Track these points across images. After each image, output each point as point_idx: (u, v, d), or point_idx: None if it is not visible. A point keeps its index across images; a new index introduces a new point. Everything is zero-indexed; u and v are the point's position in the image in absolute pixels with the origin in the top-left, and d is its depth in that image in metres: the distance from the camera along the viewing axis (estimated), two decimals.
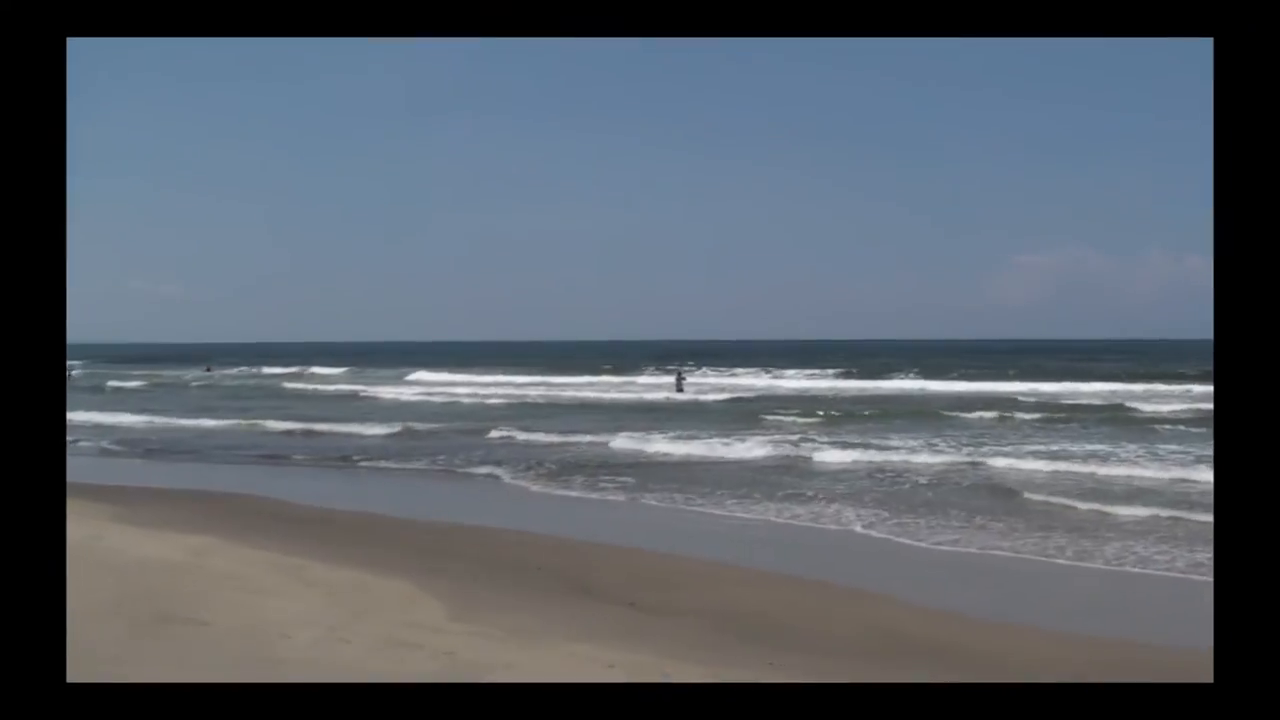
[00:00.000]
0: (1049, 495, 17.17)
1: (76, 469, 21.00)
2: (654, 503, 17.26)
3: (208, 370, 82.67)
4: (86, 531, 13.02)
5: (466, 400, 46.20)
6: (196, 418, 36.04)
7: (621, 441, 26.78)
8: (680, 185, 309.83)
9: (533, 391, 51.30)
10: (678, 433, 28.62)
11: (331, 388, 56.93)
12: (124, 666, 7.30)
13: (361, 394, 51.04)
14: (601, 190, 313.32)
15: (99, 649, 7.73)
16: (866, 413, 35.55)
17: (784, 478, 20.12)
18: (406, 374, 69.32)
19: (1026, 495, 17.29)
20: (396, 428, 31.43)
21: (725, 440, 26.09)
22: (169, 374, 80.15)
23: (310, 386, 57.19)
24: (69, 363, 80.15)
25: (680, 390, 50.96)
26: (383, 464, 22.83)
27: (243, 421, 32.89)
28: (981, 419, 32.87)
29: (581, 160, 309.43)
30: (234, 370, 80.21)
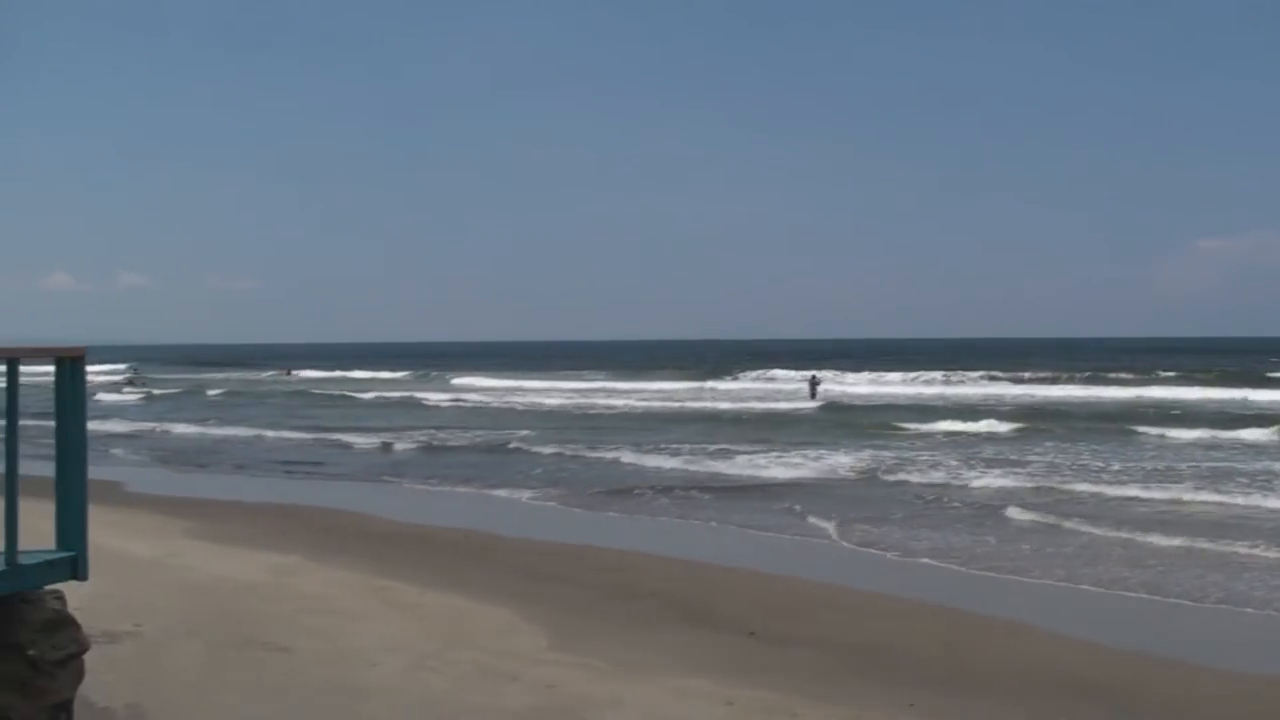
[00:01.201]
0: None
1: (149, 480, 22.05)
2: (775, 524, 17.24)
3: (287, 373, 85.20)
4: (163, 549, 13.68)
5: (572, 407, 46.68)
6: (278, 428, 37.23)
7: (743, 457, 26.87)
8: (798, 170, 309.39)
9: (655, 403, 51.42)
10: (809, 449, 28.52)
11: (433, 396, 58.05)
12: (201, 693, 7.68)
13: (457, 400, 52.08)
14: (698, 176, 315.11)
15: (175, 673, 8.15)
16: (1045, 426, 34.26)
17: (918, 499, 19.93)
18: (506, 378, 70.52)
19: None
20: (495, 438, 31.99)
21: (860, 456, 25.93)
22: (249, 376, 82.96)
23: (400, 394, 58.30)
24: (130, 364, 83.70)
25: (814, 397, 50.74)
26: (478, 478, 23.24)
27: (325, 435, 33.69)
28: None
29: (678, 145, 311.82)
30: (315, 374, 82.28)
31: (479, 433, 34.55)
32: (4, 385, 5.15)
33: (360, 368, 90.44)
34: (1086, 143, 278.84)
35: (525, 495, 20.64)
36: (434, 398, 53.76)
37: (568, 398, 52.48)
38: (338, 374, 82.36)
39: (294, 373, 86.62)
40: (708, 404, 47.67)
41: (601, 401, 50.03)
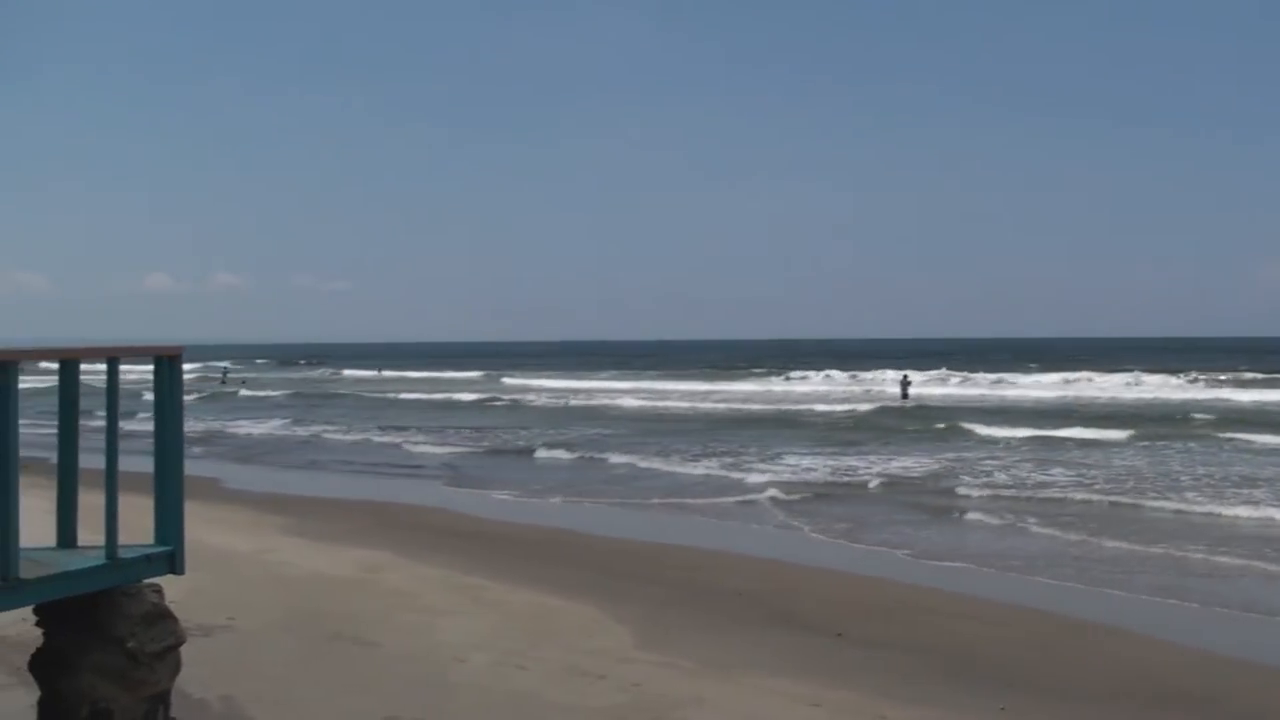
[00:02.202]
0: None
1: (244, 477, 22.51)
2: (864, 520, 17.13)
3: (379, 372, 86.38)
4: (258, 544, 13.97)
5: (675, 409, 46.67)
6: (366, 427, 37.79)
7: (829, 456, 26.68)
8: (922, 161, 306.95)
9: (753, 403, 51.22)
10: (902, 450, 28.32)
11: (536, 399, 58.41)
12: (292, 686, 7.84)
13: (552, 401, 52.37)
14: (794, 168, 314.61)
15: (267, 666, 8.33)
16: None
17: (1013, 500, 19.66)
18: (613, 377, 71.02)
19: None
20: (585, 434, 32.18)
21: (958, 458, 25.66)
22: (338, 375, 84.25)
23: (508, 397, 58.80)
24: (228, 363, 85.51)
25: (905, 396, 50.28)
26: (565, 478, 23.38)
27: (426, 437, 34.04)
28: None
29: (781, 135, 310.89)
30: (407, 374, 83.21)
31: (554, 432, 34.80)
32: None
33: (445, 367, 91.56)
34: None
35: (615, 496, 20.71)
36: (510, 398, 54.22)
37: (646, 399, 52.23)
38: (421, 374, 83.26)
39: (384, 372, 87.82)
40: (802, 406, 47.28)
41: (683, 404, 49.92)
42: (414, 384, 69.58)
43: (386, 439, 32.94)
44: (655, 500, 19.74)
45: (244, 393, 60.99)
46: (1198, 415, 36.57)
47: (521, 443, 31.08)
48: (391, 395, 57.28)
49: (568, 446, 29.26)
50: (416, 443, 31.26)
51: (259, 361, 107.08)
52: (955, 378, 62.80)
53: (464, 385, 67.30)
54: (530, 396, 55.32)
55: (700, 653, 9.27)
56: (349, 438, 33.68)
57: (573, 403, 50.35)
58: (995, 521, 17.03)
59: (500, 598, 11.31)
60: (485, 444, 30.81)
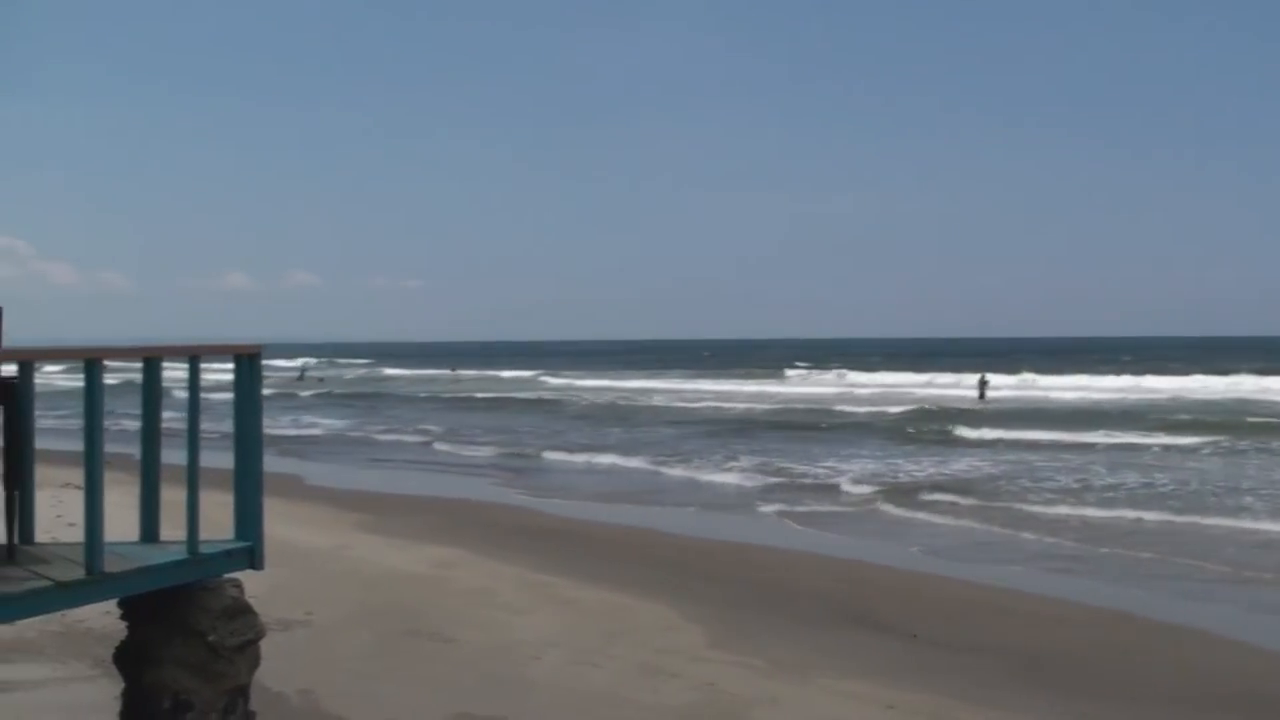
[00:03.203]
0: None
1: (323, 474, 22.79)
2: (938, 523, 16.95)
3: (453, 372, 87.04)
4: (336, 541, 14.14)
5: (751, 410, 46.55)
6: (445, 425, 38.11)
7: (904, 454, 26.46)
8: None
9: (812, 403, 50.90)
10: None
11: (602, 398, 58.59)
12: (369, 681, 7.92)
13: (626, 401, 52.49)
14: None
15: (345, 661, 8.43)
16: None
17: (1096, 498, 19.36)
18: (686, 377, 71.11)
19: None
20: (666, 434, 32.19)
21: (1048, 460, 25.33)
22: (414, 373, 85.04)
23: (571, 396, 58.97)
24: (306, 361, 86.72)
25: (983, 398, 49.62)
26: (643, 480, 23.42)
27: (499, 436, 34.26)
28: None
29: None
30: (481, 373, 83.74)
31: (619, 431, 34.88)
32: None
33: (517, 366, 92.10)
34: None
35: (686, 495, 20.70)
36: (575, 398, 54.39)
37: (715, 400, 51.98)
38: (491, 373, 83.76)
39: (458, 371, 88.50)
40: (870, 408, 46.86)
41: (762, 405, 49.74)
42: (487, 383, 70.06)
43: (455, 439, 33.15)
44: (725, 500, 19.71)
45: (321, 391, 61.75)
46: None
47: (588, 441, 31.21)
48: (465, 395, 57.68)
49: (635, 447, 29.32)
50: (489, 442, 31.48)
51: (334, 360, 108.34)
52: (1033, 379, 61.95)
53: (534, 385, 67.72)
54: (597, 396, 55.38)
55: (773, 653, 9.22)
56: (415, 439, 33.94)
57: (645, 403, 50.39)
58: (1066, 523, 16.79)
59: (573, 596, 11.34)
60: (550, 443, 30.91)
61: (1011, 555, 14.50)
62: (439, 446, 30.55)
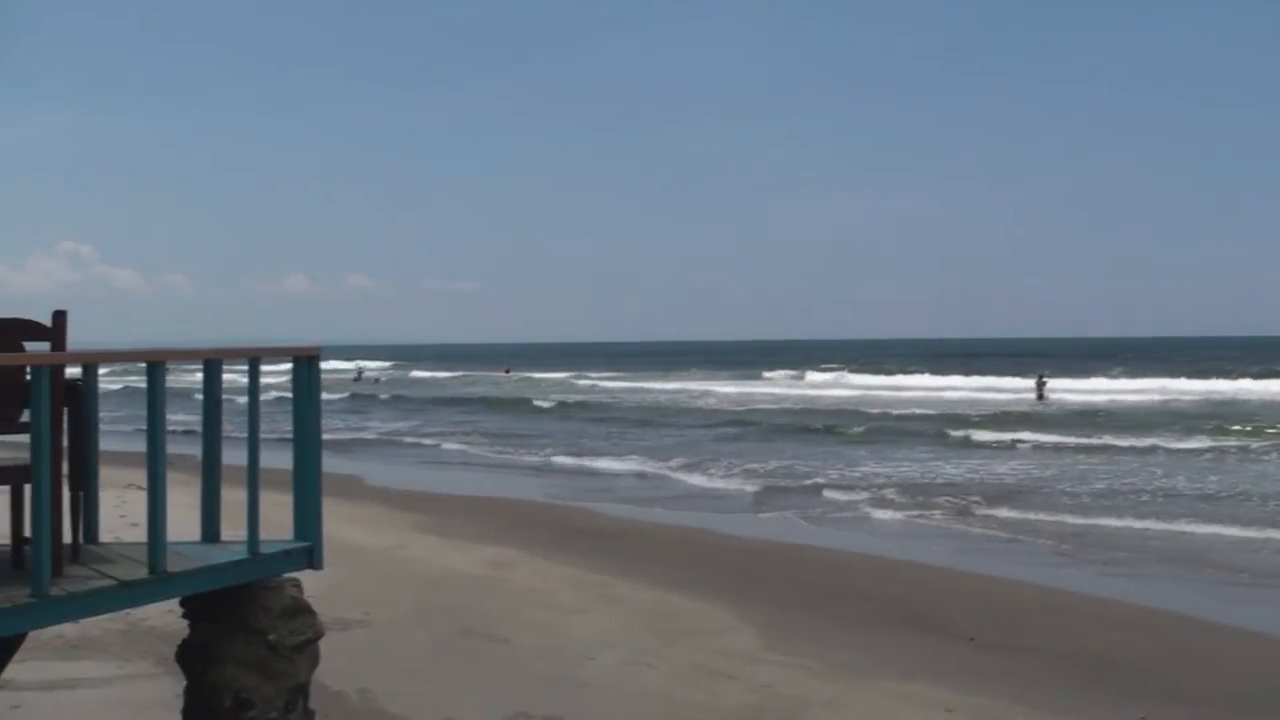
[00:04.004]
0: None
1: (381, 474, 22.96)
2: (993, 525, 16.77)
3: (506, 372, 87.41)
4: (392, 541, 14.24)
5: (789, 405, 46.37)
6: (491, 426, 38.25)
7: (961, 455, 26.30)
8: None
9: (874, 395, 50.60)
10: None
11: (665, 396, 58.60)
12: (426, 680, 7.96)
13: (692, 401, 52.45)
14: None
15: (402, 660, 8.48)
16: None
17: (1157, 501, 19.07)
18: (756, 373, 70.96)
19: None
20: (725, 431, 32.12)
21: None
22: (469, 374, 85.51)
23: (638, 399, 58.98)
24: (362, 363, 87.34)
25: (1041, 398, 49.12)
26: (699, 481, 23.39)
27: (560, 446, 34.32)
28: None
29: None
30: (536, 375, 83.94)
31: (674, 432, 34.87)
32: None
33: (569, 367, 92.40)
34: None
35: (750, 497, 20.64)
36: (637, 400, 54.33)
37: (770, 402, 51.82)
38: (547, 374, 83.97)
39: (511, 372, 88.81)
40: (919, 410, 46.46)
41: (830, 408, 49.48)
42: (540, 385, 70.28)
43: (509, 440, 33.28)
44: (778, 501, 19.63)
45: (377, 393, 62.17)
46: None
47: (642, 442, 31.24)
48: (518, 396, 57.88)
49: (687, 448, 29.30)
50: (545, 443, 31.58)
51: (385, 361, 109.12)
52: (1095, 378, 61.09)
53: (585, 387, 67.88)
54: (649, 397, 55.44)
55: (830, 655, 9.17)
56: (468, 439, 34.10)
57: (696, 404, 50.33)
58: (1128, 524, 16.57)
59: (628, 596, 11.34)
60: (601, 445, 30.95)
61: (1068, 557, 14.32)
62: (492, 447, 30.70)
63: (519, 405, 50.35)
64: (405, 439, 34.15)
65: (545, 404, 50.10)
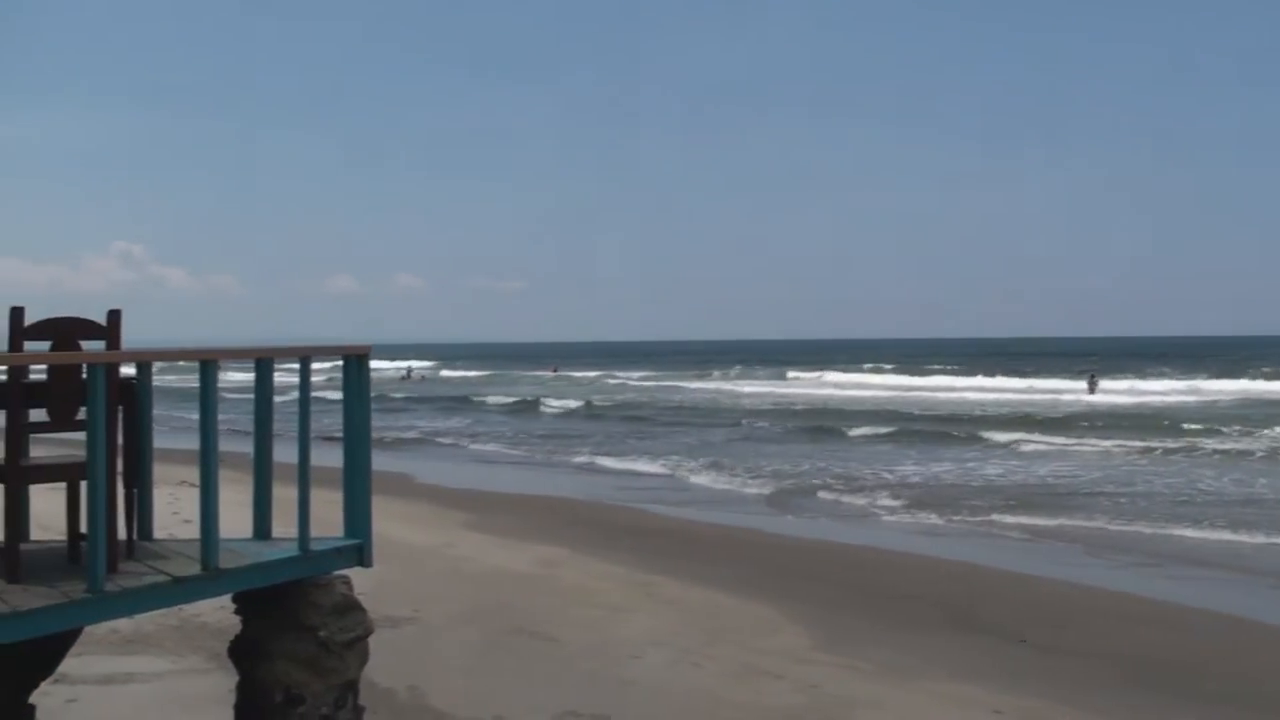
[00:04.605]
0: None
1: (431, 472, 23.10)
2: (1043, 526, 16.60)
3: (553, 371, 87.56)
4: (441, 539, 14.32)
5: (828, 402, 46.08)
6: (541, 424, 38.33)
7: (1012, 454, 26.06)
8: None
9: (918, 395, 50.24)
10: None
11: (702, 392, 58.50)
12: (475, 678, 8.00)
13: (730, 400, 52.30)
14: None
15: (451, 658, 8.53)
16: None
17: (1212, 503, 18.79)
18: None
19: None
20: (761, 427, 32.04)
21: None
22: (518, 373, 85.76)
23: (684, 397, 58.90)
24: (411, 363, 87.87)
25: (1092, 392, 48.70)
26: (746, 481, 23.33)
27: (605, 445, 34.35)
28: None
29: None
30: (580, 374, 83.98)
31: (724, 431, 34.81)
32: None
33: (615, 366, 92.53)
34: None
35: (812, 497, 20.56)
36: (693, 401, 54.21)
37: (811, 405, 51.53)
38: (595, 373, 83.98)
39: (558, 370, 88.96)
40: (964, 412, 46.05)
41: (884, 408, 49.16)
42: (582, 385, 70.40)
43: (557, 439, 33.34)
44: (826, 501, 19.55)
45: (425, 392, 62.42)
46: None
47: (688, 439, 31.25)
48: (568, 396, 57.96)
49: (738, 447, 29.22)
50: (590, 441, 31.64)
51: (434, 360, 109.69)
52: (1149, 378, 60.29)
53: (636, 386, 67.96)
54: (695, 397, 55.37)
55: (879, 655, 9.12)
56: (517, 439, 34.22)
57: (749, 404, 50.21)
58: (1176, 526, 16.36)
59: (675, 595, 11.33)
60: (648, 444, 30.97)
61: (1112, 559, 14.15)
62: (543, 447, 30.78)
63: (571, 407, 50.34)
64: (454, 436, 34.29)
65: (574, 404, 49.71)
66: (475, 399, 54.11)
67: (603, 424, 38.50)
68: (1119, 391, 52.78)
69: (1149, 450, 27.02)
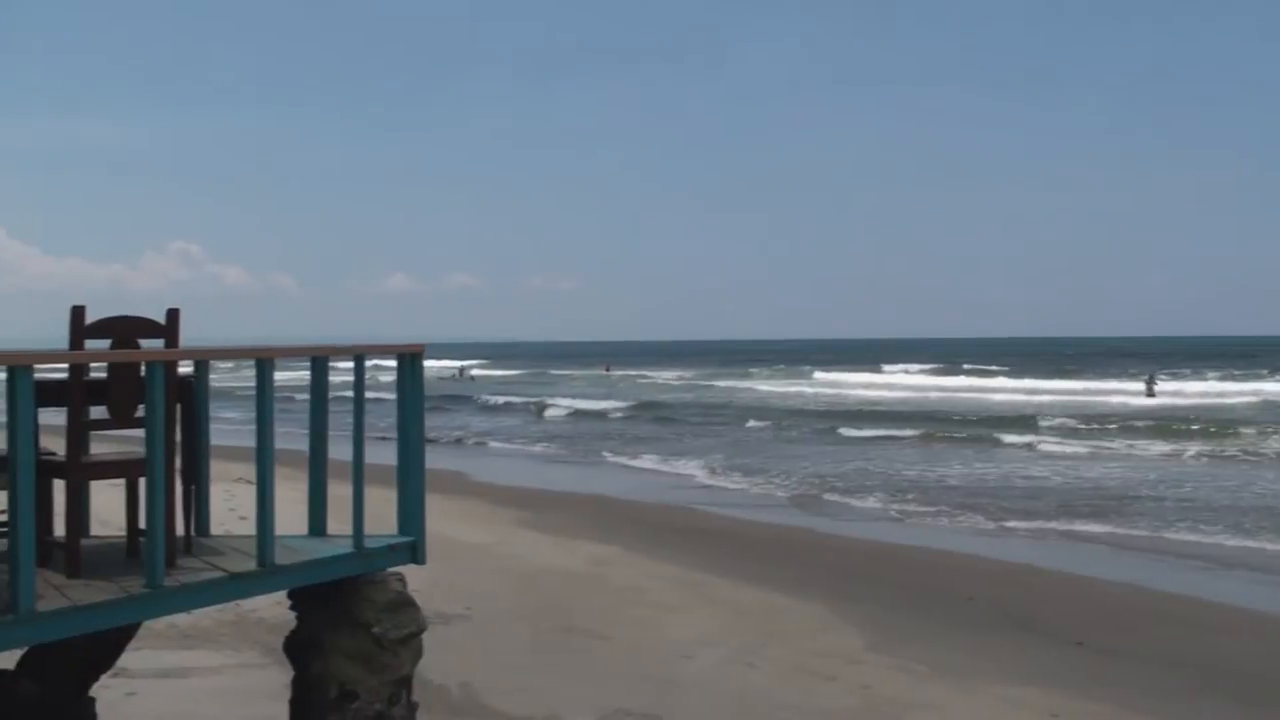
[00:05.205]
0: None
1: (484, 470, 23.20)
2: (1102, 530, 16.38)
3: (606, 370, 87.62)
4: (494, 537, 14.38)
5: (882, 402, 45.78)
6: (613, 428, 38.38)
7: (1072, 456, 25.97)
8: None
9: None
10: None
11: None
12: (526, 675, 8.03)
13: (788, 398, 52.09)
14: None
15: (502, 655, 8.56)
16: None
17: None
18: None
19: None
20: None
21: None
22: (571, 373, 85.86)
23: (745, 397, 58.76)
24: (464, 363, 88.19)
25: (1151, 395, 47.97)
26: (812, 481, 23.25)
27: (658, 445, 34.31)
28: None
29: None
30: (635, 373, 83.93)
31: (772, 429, 34.70)
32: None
33: (671, 365, 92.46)
34: None
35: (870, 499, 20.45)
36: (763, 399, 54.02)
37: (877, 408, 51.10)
38: (652, 371, 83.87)
39: (611, 369, 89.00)
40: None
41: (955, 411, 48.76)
42: (638, 385, 70.39)
43: (612, 439, 33.36)
44: (876, 502, 19.42)
45: (477, 391, 62.59)
46: None
47: (738, 438, 31.17)
48: (624, 397, 57.95)
49: (790, 448, 29.11)
50: (645, 441, 31.65)
51: (488, 359, 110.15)
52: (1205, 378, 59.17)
53: (697, 386, 67.90)
54: (744, 396, 55.18)
55: (933, 656, 9.04)
56: (569, 439, 34.26)
57: (799, 405, 49.99)
58: (1249, 531, 16.08)
59: (727, 595, 11.31)
60: (699, 444, 30.93)
61: (1184, 563, 13.92)
62: (594, 445, 30.82)
63: (628, 408, 50.25)
64: (507, 435, 34.42)
65: (627, 403, 49.42)
66: (527, 398, 54.17)
67: (655, 425, 38.47)
68: (1178, 394, 51.86)
69: (1212, 454, 26.61)
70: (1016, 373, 70.04)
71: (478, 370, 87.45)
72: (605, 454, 28.51)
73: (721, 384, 67.36)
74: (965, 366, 77.83)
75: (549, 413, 44.37)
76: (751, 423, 37.30)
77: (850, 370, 77.76)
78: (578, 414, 43.15)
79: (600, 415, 42.55)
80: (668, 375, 78.76)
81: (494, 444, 31.58)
